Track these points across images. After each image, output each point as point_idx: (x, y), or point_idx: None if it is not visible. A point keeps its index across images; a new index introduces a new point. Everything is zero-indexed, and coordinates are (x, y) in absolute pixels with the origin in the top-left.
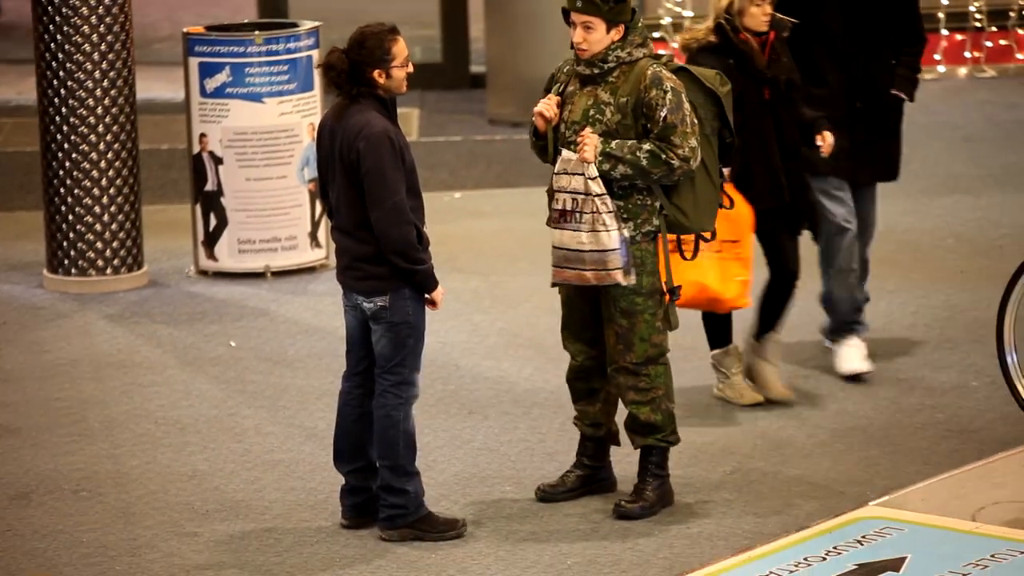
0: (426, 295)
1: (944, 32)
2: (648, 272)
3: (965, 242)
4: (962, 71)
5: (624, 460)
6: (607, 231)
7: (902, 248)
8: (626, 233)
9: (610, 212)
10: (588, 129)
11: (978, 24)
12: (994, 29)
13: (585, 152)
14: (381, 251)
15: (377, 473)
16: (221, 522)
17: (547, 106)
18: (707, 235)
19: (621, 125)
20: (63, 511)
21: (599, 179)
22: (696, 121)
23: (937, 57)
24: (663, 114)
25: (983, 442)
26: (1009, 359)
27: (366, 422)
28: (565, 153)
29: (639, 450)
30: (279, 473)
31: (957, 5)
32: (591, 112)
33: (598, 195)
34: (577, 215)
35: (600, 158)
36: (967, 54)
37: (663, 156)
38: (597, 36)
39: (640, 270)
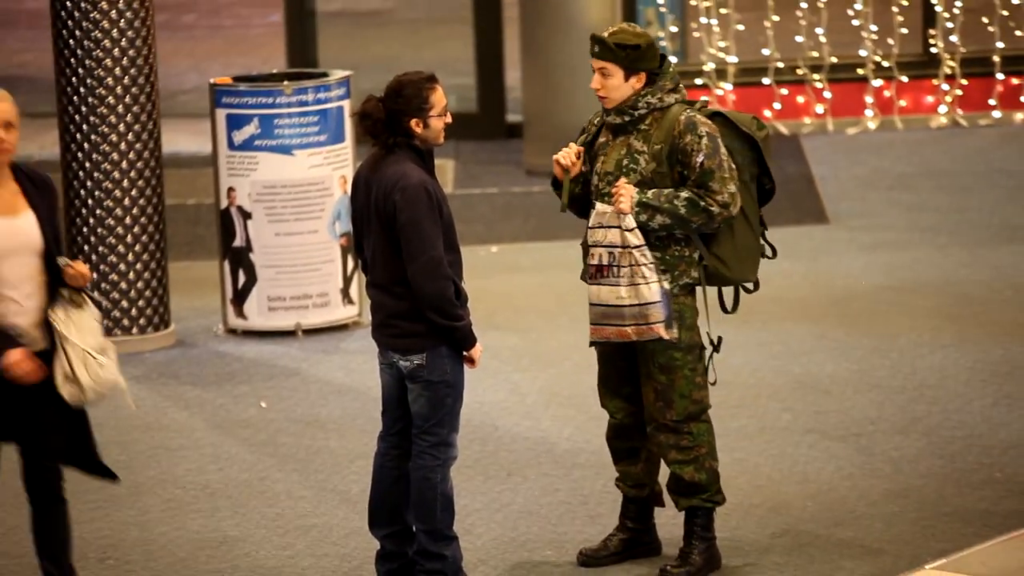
0: (464, 352)
1: (1000, 76)
2: (687, 327)
3: (1023, 294)
4: (1018, 116)
5: (669, 523)
6: (647, 284)
7: (958, 301)
8: (666, 285)
9: (649, 264)
10: (623, 180)
11: None
12: None
13: (621, 203)
14: (418, 307)
15: (414, 538)
16: None
17: (565, 154)
18: (749, 286)
19: (656, 174)
20: None
21: (637, 230)
22: (734, 166)
23: (992, 102)
24: (699, 160)
25: None
26: None
27: (403, 485)
28: (599, 206)
29: (683, 512)
30: (312, 539)
31: (1013, 48)
32: (625, 162)
33: (636, 247)
34: (615, 269)
35: (637, 208)
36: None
37: (702, 203)
38: (614, 83)
39: (679, 324)
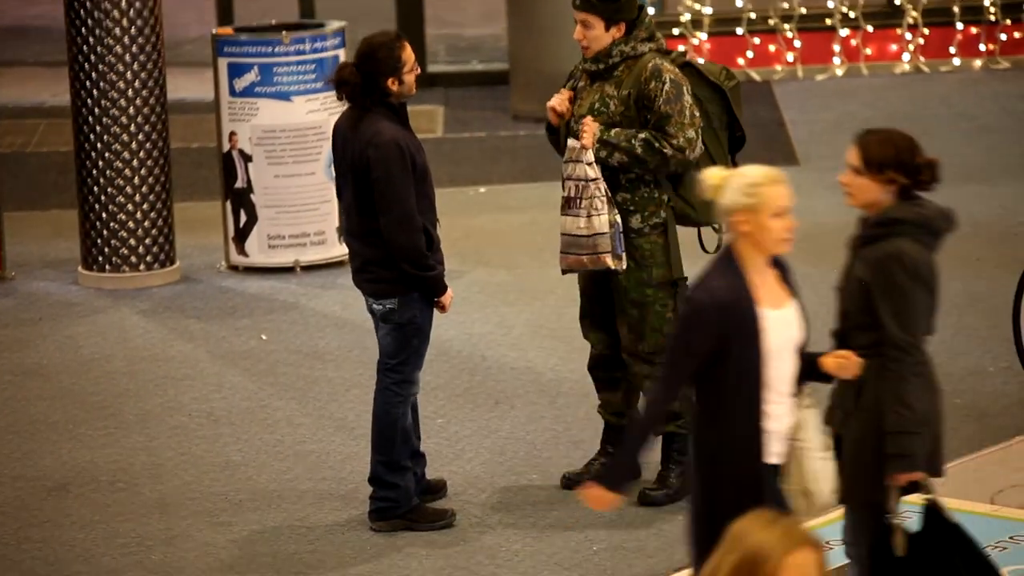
0: (435, 299)
1: (959, 25)
2: (658, 264)
3: (982, 230)
4: (977, 63)
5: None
6: (598, 215)
7: None
8: (617, 219)
9: (602, 197)
10: (589, 118)
11: (992, 17)
12: (1008, 22)
13: (584, 138)
14: (389, 255)
15: (423, 458)
16: (254, 511)
17: (559, 100)
18: (717, 227)
19: (624, 117)
20: (100, 502)
21: (595, 165)
22: (697, 114)
23: (952, 50)
24: (659, 104)
25: (1001, 427)
26: None
27: (411, 411)
28: (571, 142)
29: (660, 437)
30: (310, 463)
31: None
32: (597, 105)
33: (592, 179)
34: (578, 201)
35: (597, 145)
36: (982, 47)
37: (656, 144)
38: (595, 33)
39: (650, 262)
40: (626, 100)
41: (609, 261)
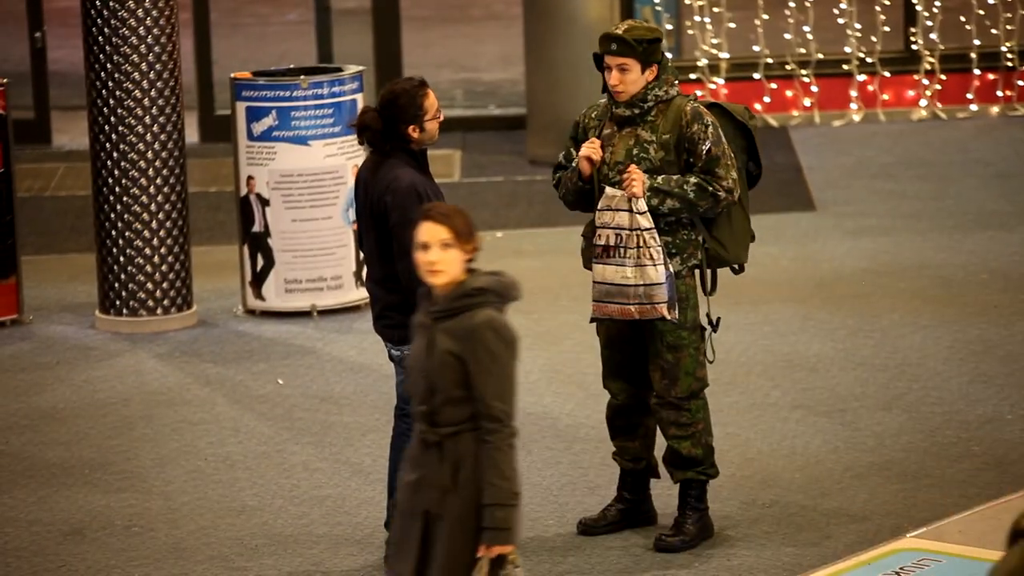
0: None
1: (976, 72)
2: (692, 306)
3: (999, 277)
4: (994, 109)
5: (664, 493)
6: (654, 265)
7: (936, 283)
8: (672, 268)
9: (658, 247)
10: (633, 166)
11: (1009, 64)
12: None
13: (634, 187)
14: (408, 300)
15: None
16: (270, 556)
17: (592, 149)
18: (737, 267)
19: (665, 161)
20: (115, 547)
21: (648, 214)
22: (733, 155)
23: (969, 96)
24: (707, 147)
25: (1019, 475)
26: None
27: None
28: (609, 190)
29: (678, 484)
30: (326, 508)
31: (989, 45)
32: (635, 151)
33: (647, 229)
34: (621, 250)
35: (649, 193)
36: (999, 93)
37: (709, 188)
38: (632, 77)
39: (684, 305)
40: (666, 144)
41: (665, 312)
